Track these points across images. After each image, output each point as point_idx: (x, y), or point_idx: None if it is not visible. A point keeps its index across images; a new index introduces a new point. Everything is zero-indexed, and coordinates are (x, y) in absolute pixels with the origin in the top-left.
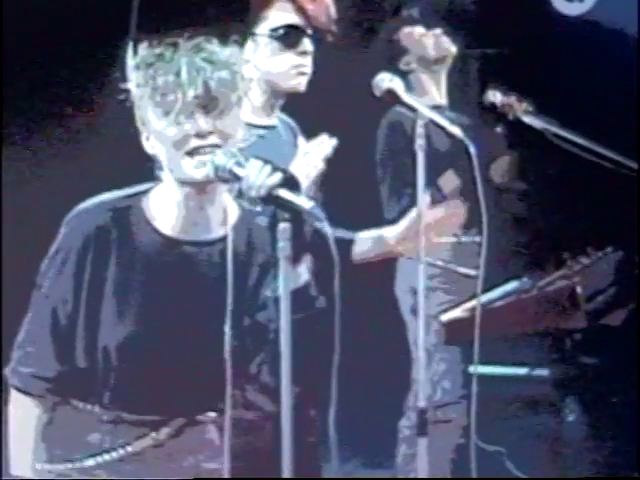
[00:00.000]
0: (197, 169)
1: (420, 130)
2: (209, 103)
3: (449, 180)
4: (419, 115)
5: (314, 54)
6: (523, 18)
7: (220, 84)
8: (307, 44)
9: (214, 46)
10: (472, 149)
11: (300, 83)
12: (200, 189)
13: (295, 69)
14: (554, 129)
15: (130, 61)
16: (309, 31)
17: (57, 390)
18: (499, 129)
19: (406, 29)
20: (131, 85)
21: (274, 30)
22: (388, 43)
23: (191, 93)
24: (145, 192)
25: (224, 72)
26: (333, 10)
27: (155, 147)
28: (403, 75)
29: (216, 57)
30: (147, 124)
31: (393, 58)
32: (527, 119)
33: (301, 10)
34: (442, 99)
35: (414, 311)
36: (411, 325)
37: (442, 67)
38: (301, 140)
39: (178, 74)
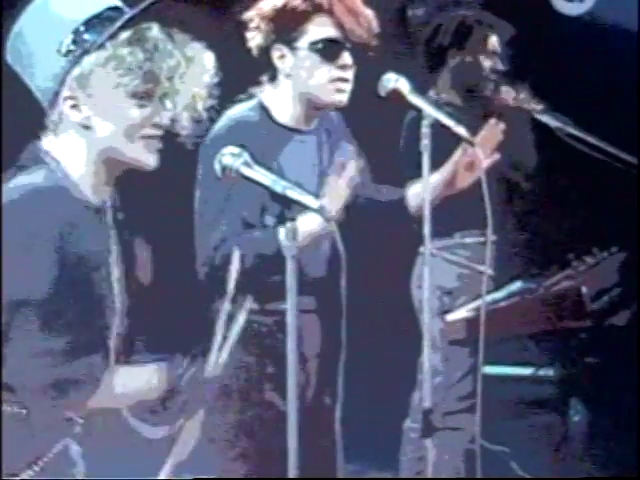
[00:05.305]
0: (149, 154)
1: (425, 130)
2: (175, 96)
3: None
4: (425, 115)
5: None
6: (523, 18)
7: (190, 81)
8: (347, 57)
9: (192, 44)
10: (477, 149)
11: (341, 99)
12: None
13: (335, 82)
14: (567, 128)
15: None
16: (348, 45)
17: None
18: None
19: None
20: (90, 57)
21: (314, 43)
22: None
23: (164, 82)
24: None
25: (197, 69)
26: (375, 25)
27: (94, 120)
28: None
29: (191, 54)
30: (95, 97)
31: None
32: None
33: (339, 24)
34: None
35: (438, 312)
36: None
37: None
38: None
39: (151, 60)
